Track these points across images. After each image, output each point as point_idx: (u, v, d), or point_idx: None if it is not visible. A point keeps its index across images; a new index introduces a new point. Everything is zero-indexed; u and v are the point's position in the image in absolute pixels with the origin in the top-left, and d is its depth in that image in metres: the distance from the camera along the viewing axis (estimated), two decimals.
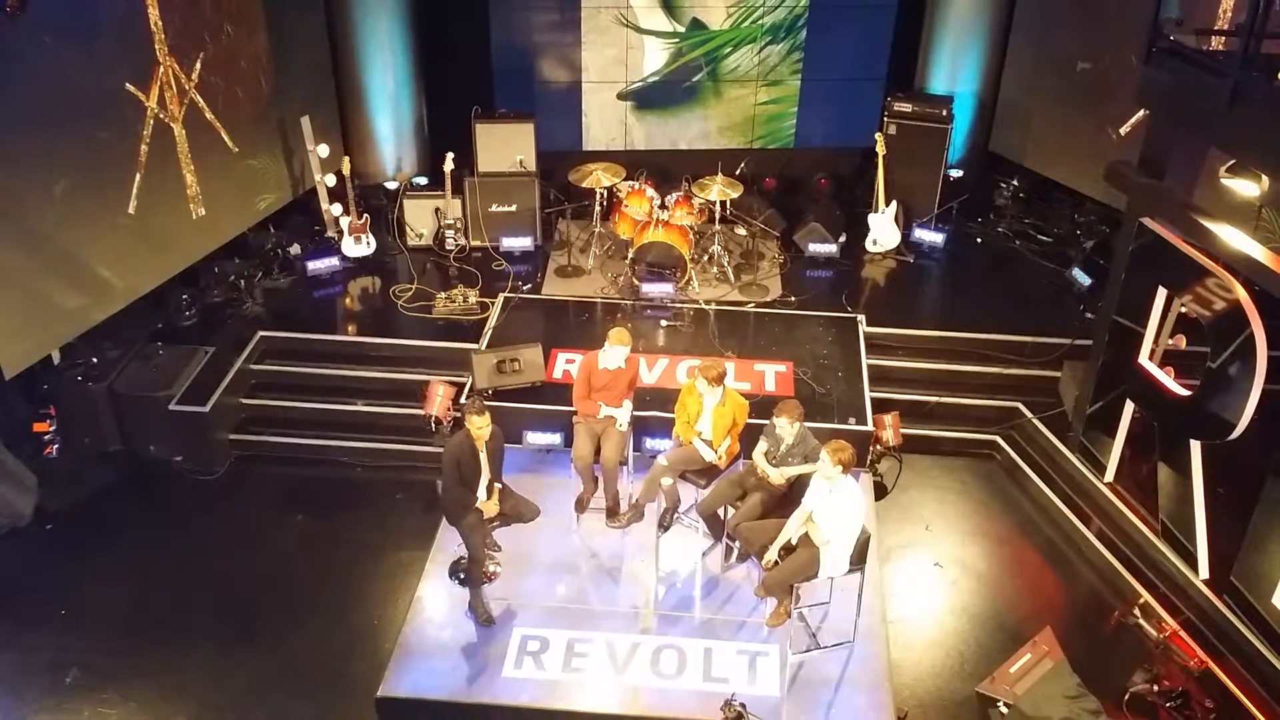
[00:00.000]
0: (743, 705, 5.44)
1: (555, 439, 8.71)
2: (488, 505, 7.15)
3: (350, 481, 8.84)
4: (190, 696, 6.91)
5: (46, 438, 8.82)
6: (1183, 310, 7.50)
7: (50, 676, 7.03)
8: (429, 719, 6.78)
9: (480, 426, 6.94)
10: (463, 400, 8.72)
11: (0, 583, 7.77)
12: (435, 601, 7.45)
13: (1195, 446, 7.24)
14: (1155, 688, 6.80)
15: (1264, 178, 7.42)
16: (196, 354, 9.28)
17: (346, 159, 10.72)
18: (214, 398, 8.84)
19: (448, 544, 7.74)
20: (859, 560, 6.85)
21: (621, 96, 12.11)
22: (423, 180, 11.56)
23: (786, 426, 7.06)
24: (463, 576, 7.40)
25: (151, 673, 7.06)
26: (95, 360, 8.90)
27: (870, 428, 8.58)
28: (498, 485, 7.20)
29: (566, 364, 9.12)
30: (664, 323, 9.92)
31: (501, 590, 7.47)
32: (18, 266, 7.88)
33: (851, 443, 6.68)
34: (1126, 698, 6.78)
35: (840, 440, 6.63)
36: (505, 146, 10.86)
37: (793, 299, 10.33)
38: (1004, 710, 6.12)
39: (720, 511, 7.48)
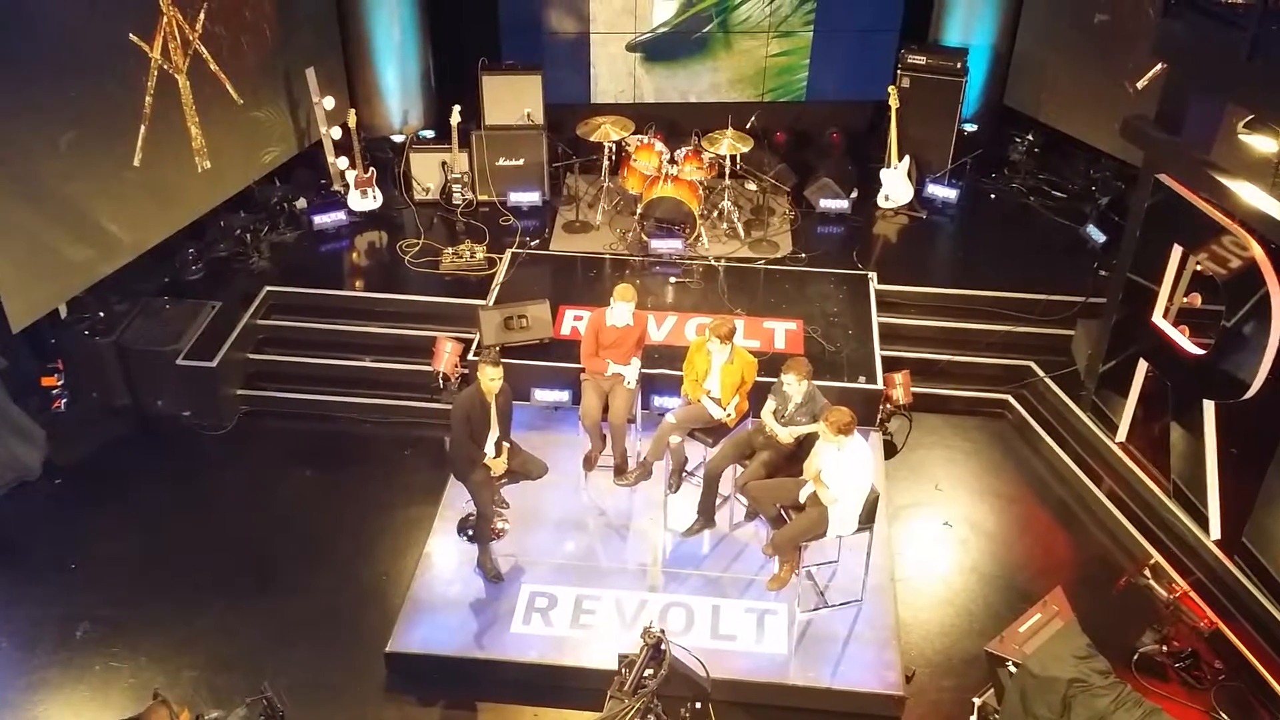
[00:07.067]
0: (662, 631, 5.50)
1: (563, 396, 8.67)
2: (495, 463, 7.13)
3: (358, 437, 8.84)
4: (200, 650, 6.96)
5: (55, 392, 8.84)
6: (1198, 268, 7.41)
7: (61, 630, 7.08)
8: (437, 674, 6.82)
9: (492, 378, 6.92)
10: (471, 356, 8.69)
11: (10, 537, 7.82)
12: (444, 557, 7.47)
13: (1209, 406, 7.18)
14: (1165, 648, 6.80)
15: None
16: (203, 309, 9.25)
17: (352, 111, 10.58)
18: (221, 353, 8.83)
19: (456, 500, 7.74)
20: (868, 519, 6.83)
21: (630, 48, 11.91)
22: (429, 133, 11.42)
23: (794, 384, 7.00)
24: (471, 533, 7.39)
25: (161, 626, 7.10)
26: (102, 314, 8.88)
27: (880, 386, 8.52)
28: (505, 443, 7.19)
29: (575, 320, 9.07)
30: (673, 279, 9.83)
31: (510, 547, 7.48)
32: (24, 219, 7.84)
33: (861, 401, 6.65)
34: (1136, 658, 6.79)
35: (839, 407, 6.58)
36: (512, 99, 10.72)
37: (803, 255, 10.22)
38: (1013, 670, 6.10)
39: (730, 470, 7.45)
